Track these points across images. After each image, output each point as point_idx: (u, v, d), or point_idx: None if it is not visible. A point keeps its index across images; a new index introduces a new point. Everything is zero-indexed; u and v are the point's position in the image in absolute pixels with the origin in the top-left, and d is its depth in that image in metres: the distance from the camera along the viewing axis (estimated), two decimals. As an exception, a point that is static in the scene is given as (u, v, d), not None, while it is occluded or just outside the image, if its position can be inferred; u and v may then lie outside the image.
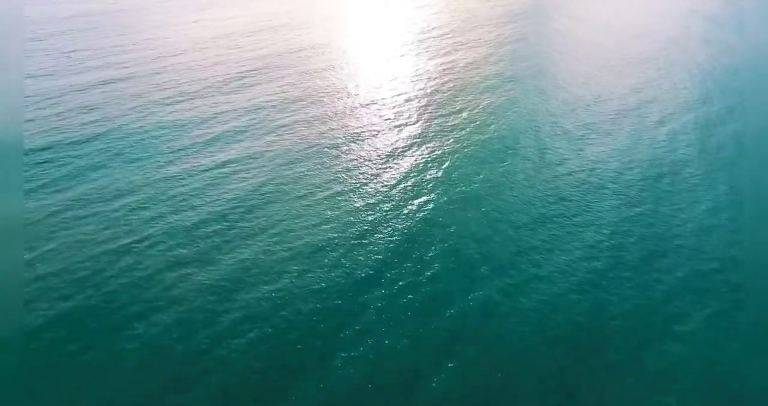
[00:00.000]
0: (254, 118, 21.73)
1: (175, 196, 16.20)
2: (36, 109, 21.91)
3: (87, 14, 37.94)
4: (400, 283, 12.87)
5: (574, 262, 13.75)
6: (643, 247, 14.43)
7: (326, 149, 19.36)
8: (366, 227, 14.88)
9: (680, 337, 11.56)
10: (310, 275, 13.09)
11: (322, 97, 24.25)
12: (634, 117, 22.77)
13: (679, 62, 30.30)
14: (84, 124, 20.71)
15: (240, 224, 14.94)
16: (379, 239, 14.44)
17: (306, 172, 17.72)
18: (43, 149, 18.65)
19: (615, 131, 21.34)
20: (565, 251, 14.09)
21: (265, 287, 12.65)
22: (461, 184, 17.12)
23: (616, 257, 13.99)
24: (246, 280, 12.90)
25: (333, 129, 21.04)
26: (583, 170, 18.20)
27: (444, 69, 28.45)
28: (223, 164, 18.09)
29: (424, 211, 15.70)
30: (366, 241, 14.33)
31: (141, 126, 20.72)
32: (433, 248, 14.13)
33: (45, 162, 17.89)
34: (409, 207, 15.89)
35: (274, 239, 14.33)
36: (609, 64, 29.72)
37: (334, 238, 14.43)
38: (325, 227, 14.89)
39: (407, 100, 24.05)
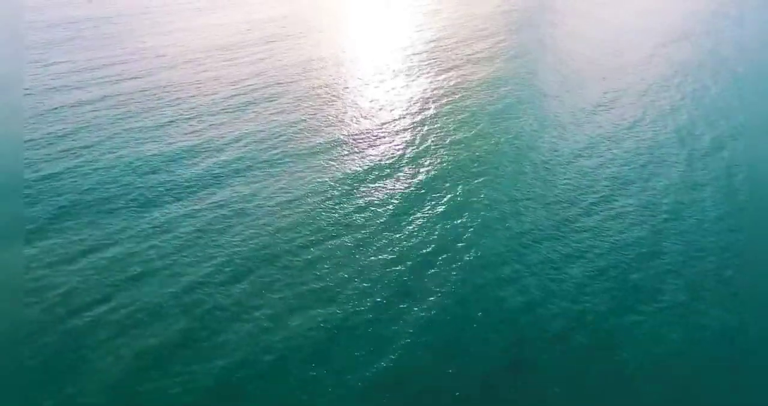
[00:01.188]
0: (247, 149, 18.92)
1: (156, 251, 13.46)
2: None
3: (75, 21, 35.13)
4: (438, 369, 10.26)
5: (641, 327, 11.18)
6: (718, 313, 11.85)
7: (331, 188, 16.65)
8: (389, 291, 12.24)
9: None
10: (325, 361, 10.45)
11: (324, 122, 21.45)
12: (685, 145, 20.04)
13: (716, 74, 27.67)
14: (50, 154, 17.90)
15: (236, 289, 12.27)
16: (407, 306, 11.82)
17: (309, 216, 15.04)
18: None
19: (666, 162, 18.64)
20: (637, 323, 11.49)
21: (270, 385, 10.02)
22: (490, 234, 14.45)
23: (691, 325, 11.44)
24: (248, 369, 10.28)
25: (337, 160, 18.34)
26: (638, 214, 15.58)
27: (458, 84, 25.79)
28: (212, 208, 15.34)
29: (452, 267, 13.06)
30: (393, 310, 11.69)
31: (117, 159, 17.85)
32: (469, 315, 11.53)
33: None
34: (435, 261, 13.26)
35: (277, 310, 11.68)
36: (642, 79, 27.07)
37: (351, 308, 11.77)
38: (339, 290, 12.24)
39: (420, 124, 21.36)
